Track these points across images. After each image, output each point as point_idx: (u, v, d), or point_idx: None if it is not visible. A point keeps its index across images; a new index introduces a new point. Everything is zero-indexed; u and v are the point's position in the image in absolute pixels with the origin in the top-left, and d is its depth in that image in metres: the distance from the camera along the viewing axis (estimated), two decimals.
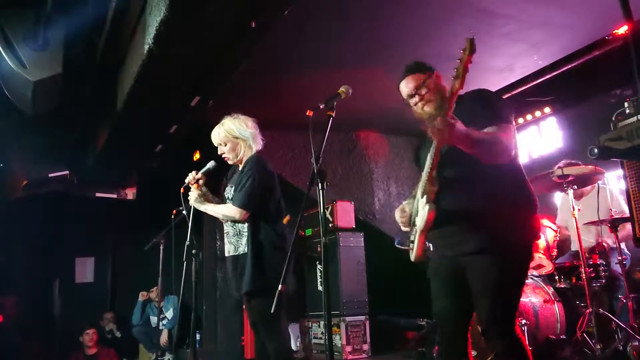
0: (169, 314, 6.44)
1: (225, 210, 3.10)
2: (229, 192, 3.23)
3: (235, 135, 3.20)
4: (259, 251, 3.02)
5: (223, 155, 3.29)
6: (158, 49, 3.92)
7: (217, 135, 3.28)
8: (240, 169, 3.24)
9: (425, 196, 2.25)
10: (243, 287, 3.03)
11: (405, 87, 2.42)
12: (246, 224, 3.09)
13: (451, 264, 2.31)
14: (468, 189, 2.23)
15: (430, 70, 2.44)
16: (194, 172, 3.23)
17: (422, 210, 2.27)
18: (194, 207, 3.26)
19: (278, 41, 4.38)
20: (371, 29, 4.48)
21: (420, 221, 2.30)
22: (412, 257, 2.41)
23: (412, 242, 2.40)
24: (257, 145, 3.26)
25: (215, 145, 3.33)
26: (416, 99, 2.39)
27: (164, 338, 6.16)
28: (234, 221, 3.12)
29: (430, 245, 2.37)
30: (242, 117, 3.28)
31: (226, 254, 3.23)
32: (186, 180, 3.23)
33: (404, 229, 2.52)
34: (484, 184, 2.21)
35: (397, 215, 2.52)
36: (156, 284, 5.88)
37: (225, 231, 3.23)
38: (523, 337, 2.22)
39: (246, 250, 3.05)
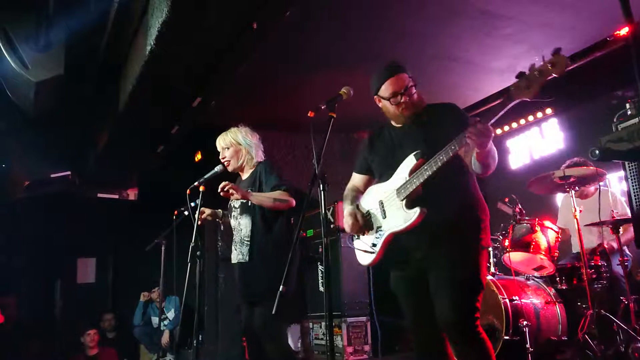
0: (170, 314, 6.44)
1: (277, 195, 3.10)
2: (236, 205, 3.31)
3: (239, 142, 3.34)
4: (266, 259, 3.08)
5: (224, 160, 3.37)
6: (160, 50, 3.93)
7: (223, 139, 3.39)
8: (249, 174, 3.34)
9: (405, 199, 2.29)
10: (251, 295, 3.08)
11: (395, 84, 2.43)
12: (250, 233, 3.16)
13: (415, 267, 2.37)
14: (443, 195, 2.29)
15: (412, 75, 2.48)
16: (225, 183, 3.19)
17: (401, 212, 2.30)
18: (198, 208, 3.30)
19: (279, 42, 4.39)
20: (372, 30, 4.48)
21: (395, 223, 2.33)
22: (368, 261, 2.46)
23: (374, 245, 2.42)
24: (258, 157, 3.38)
25: (219, 149, 3.41)
26: (401, 99, 2.41)
27: (165, 339, 6.16)
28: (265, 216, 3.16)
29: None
30: (248, 128, 3.42)
31: (234, 261, 3.27)
32: (220, 191, 3.19)
33: (353, 234, 2.53)
34: (453, 190, 2.33)
35: (350, 221, 2.49)
36: (157, 284, 5.89)
37: (234, 239, 3.28)
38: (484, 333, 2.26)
39: (251, 258, 3.12)
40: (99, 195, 7.68)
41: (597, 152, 1.79)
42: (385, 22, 4.34)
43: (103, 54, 5.13)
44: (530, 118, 6.03)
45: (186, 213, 3.69)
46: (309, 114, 2.32)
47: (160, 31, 3.71)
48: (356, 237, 2.55)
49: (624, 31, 4.43)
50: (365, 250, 2.47)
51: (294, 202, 3.13)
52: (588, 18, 4.35)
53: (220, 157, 3.39)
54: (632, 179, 3.07)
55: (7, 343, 6.51)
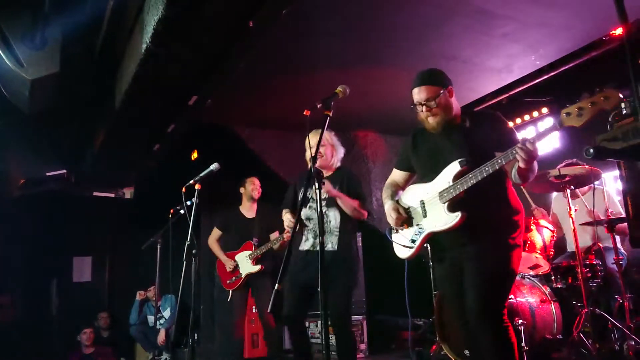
0: (166, 313, 6.43)
1: (358, 205, 3.42)
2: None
3: (334, 144, 3.62)
4: (349, 249, 3.45)
5: (320, 153, 3.45)
6: (156, 48, 3.92)
7: (323, 136, 3.29)
8: (333, 175, 3.57)
9: (447, 202, 2.44)
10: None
11: (417, 95, 2.56)
12: (339, 224, 3.45)
13: (451, 263, 2.55)
14: (482, 200, 2.42)
15: (445, 85, 2.56)
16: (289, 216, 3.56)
17: (442, 214, 2.46)
18: (194, 207, 3.31)
19: (275, 41, 4.38)
20: (369, 29, 4.48)
21: (436, 223, 2.49)
22: (407, 254, 2.64)
23: (413, 241, 2.59)
24: (341, 161, 3.68)
25: (312, 144, 2.97)
26: (424, 109, 2.54)
27: (161, 337, 6.16)
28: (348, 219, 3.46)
29: (428, 246, 2.65)
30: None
31: (307, 248, 3.46)
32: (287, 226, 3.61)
33: (395, 226, 2.69)
34: (492, 193, 2.46)
35: (394, 215, 2.65)
36: (153, 283, 5.88)
37: (309, 228, 3.52)
38: (511, 328, 2.40)
39: (339, 247, 3.41)
40: (95, 193, 7.67)
41: (591, 150, 1.80)
42: (382, 21, 4.34)
43: (99, 52, 5.12)
44: (527, 117, 6.05)
45: (182, 212, 3.68)
46: (305, 113, 2.33)
47: (156, 29, 3.70)
48: (395, 230, 2.71)
49: (619, 31, 4.45)
50: (404, 245, 2.64)
51: (366, 215, 3.48)
52: (584, 17, 4.36)
53: (319, 150, 3.26)
54: (627, 178, 3.09)
55: (2, 341, 6.50)
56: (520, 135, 2.43)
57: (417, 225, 2.60)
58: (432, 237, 2.57)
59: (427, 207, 2.56)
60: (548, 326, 3.95)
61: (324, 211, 3.43)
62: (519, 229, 2.51)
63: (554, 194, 4.90)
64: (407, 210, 2.66)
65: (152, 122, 5.58)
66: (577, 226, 3.93)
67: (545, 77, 5.24)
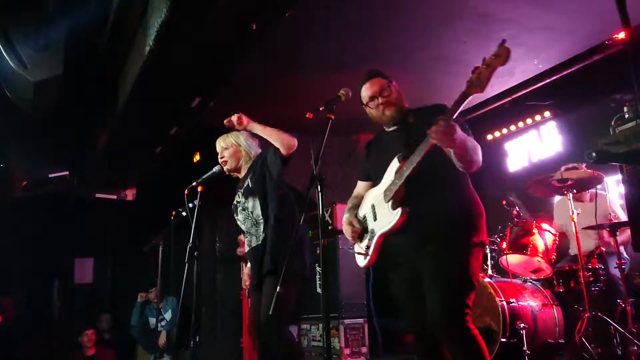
0: (168, 315, 6.44)
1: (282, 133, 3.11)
2: (240, 195, 3.30)
3: (239, 144, 3.36)
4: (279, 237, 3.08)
5: (222, 160, 3.37)
6: (159, 50, 3.94)
7: (223, 140, 3.41)
8: (247, 169, 3.33)
9: (390, 200, 2.34)
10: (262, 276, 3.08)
11: (370, 89, 2.53)
12: (260, 212, 3.17)
13: (408, 268, 2.41)
14: (428, 194, 2.33)
15: (390, 80, 2.55)
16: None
17: (387, 214, 2.35)
18: (196, 209, 3.30)
19: (278, 43, 4.39)
20: (371, 32, 4.49)
21: (383, 224, 2.39)
22: (364, 263, 2.51)
23: (368, 247, 2.48)
24: (251, 158, 3.38)
25: (218, 150, 3.41)
26: (379, 100, 2.50)
27: (162, 339, 6.16)
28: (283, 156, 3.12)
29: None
30: (248, 132, 3.42)
31: (250, 247, 3.24)
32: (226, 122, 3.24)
33: (353, 241, 2.60)
34: (444, 190, 2.37)
35: (348, 231, 2.58)
36: (155, 285, 5.88)
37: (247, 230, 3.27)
38: (476, 330, 2.26)
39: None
40: (97, 195, 7.67)
41: (593, 154, 1.80)
42: (384, 23, 4.35)
43: (102, 54, 5.13)
44: (529, 121, 6.03)
45: (184, 214, 3.68)
46: (307, 115, 2.33)
47: (159, 32, 3.72)
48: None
49: (621, 35, 4.45)
50: (360, 253, 2.54)
51: (296, 142, 3.12)
52: (586, 21, 4.36)
53: (219, 157, 3.40)
54: (629, 182, 3.08)
55: (5, 343, 6.50)
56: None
57: (371, 230, 2.49)
58: (387, 243, 2.43)
59: (376, 210, 2.47)
60: (550, 330, 3.94)
61: (243, 203, 3.24)
62: (477, 227, 2.37)
63: (556, 199, 4.89)
64: (364, 219, 2.56)
65: (154, 124, 5.59)
66: (581, 230, 3.92)
67: (548, 80, 5.23)
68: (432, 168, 2.27)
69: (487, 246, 4.17)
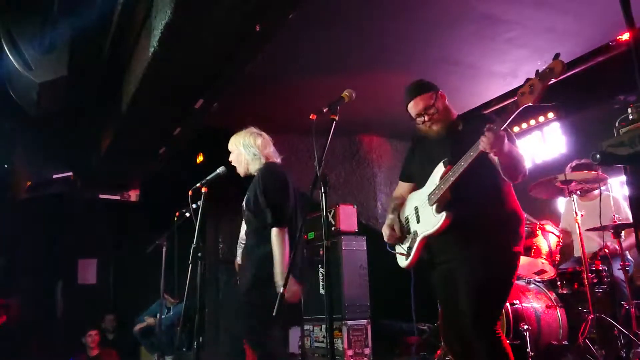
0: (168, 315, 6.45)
1: (275, 244, 2.85)
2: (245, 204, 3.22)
3: (239, 147, 3.24)
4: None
5: (231, 163, 3.33)
6: (163, 52, 3.94)
7: (230, 142, 3.33)
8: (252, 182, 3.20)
9: (435, 204, 2.42)
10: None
11: (415, 108, 2.57)
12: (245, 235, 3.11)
13: (446, 268, 2.50)
14: (472, 199, 2.39)
15: (436, 89, 2.59)
16: None
17: (431, 217, 2.44)
18: (200, 210, 3.29)
19: (282, 45, 4.40)
20: (375, 34, 4.49)
21: (426, 227, 2.47)
22: (405, 263, 2.61)
23: (410, 248, 2.57)
24: (262, 160, 3.20)
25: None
26: (425, 118, 2.55)
27: (138, 326, 6.23)
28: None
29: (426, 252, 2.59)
30: (255, 132, 3.27)
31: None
32: None
33: (392, 243, 2.68)
34: (488, 196, 2.43)
35: (387, 231, 2.66)
36: (158, 286, 5.88)
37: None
38: (504, 336, 2.35)
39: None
40: (101, 196, 7.68)
41: (598, 156, 1.80)
42: (388, 25, 4.35)
43: (106, 56, 5.15)
44: (532, 122, 6.03)
45: (187, 214, 3.68)
46: (311, 117, 2.33)
47: (163, 33, 3.72)
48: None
49: (626, 36, 4.44)
50: (402, 253, 2.63)
51: (287, 242, 2.84)
52: (590, 23, 4.36)
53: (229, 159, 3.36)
54: (634, 184, 3.07)
55: (8, 343, 6.52)
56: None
57: (414, 232, 2.58)
58: (428, 244, 2.55)
59: (420, 212, 2.56)
60: (553, 332, 3.93)
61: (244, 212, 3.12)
62: (517, 234, 2.44)
63: (563, 203, 4.87)
64: (406, 220, 2.65)
65: (158, 125, 5.61)
66: (585, 232, 3.91)
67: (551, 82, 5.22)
68: (477, 174, 2.32)
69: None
